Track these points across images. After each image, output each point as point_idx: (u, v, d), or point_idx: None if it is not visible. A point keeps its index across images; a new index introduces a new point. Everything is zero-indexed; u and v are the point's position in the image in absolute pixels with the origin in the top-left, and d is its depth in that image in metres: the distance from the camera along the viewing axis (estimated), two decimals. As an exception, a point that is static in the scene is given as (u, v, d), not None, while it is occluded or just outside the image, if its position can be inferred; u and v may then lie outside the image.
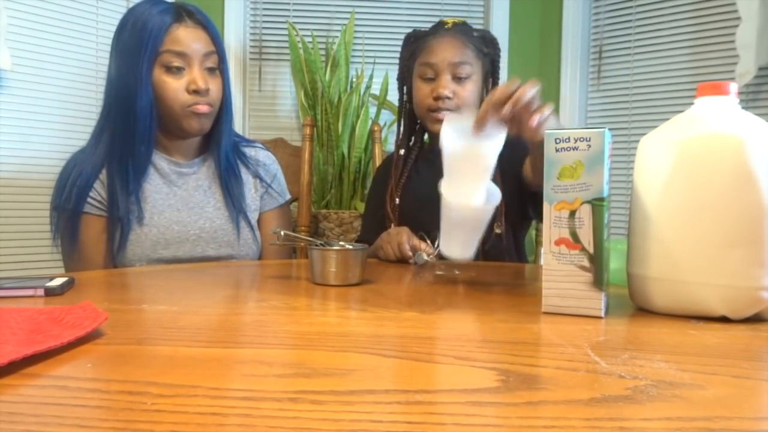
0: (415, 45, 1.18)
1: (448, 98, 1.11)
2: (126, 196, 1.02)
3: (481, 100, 1.16)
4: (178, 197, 1.08)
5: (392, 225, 1.15)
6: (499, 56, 1.20)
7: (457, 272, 0.90)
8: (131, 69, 1.00)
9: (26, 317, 0.48)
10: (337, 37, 2.15)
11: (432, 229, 1.12)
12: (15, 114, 1.79)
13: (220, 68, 1.07)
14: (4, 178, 1.78)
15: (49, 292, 0.63)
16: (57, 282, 0.65)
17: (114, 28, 1.04)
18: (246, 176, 1.16)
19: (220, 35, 1.08)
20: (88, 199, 1.02)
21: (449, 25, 1.16)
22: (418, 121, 1.22)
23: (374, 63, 2.22)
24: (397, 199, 1.19)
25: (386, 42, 2.28)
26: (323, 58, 2.13)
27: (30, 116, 1.82)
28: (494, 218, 1.12)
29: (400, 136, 1.23)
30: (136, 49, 0.99)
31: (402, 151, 1.22)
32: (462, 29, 1.16)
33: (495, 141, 0.72)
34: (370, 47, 2.27)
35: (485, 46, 1.17)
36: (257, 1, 2.27)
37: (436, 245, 0.91)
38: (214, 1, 2.19)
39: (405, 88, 1.23)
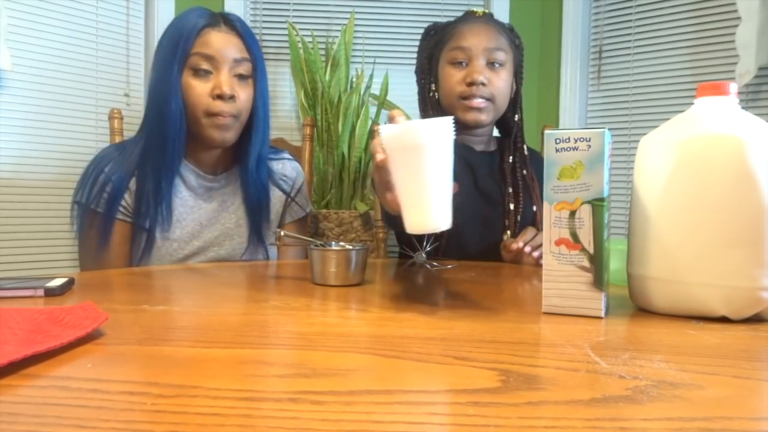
0: (441, 33, 1.12)
1: (483, 84, 1.02)
2: (154, 207, 1.00)
3: (510, 96, 1.09)
4: (202, 211, 1.07)
5: None
6: (523, 55, 1.14)
7: (450, 266, 0.91)
8: (164, 73, 0.99)
9: (26, 317, 0.48)
10: (337, 37, 2.15)
11: (460, 222, 1.11)
12: (15, 114, 1.79)
13: (254, 77, 1.03)
14: (4, 178, 1.78)
15: (49, 292, 0.63)
16: (57, 282, 0.65)
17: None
18: (272, 191, 1.15)
19: (258, 45, 1.05)
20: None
21: (480, 14, 1.10)
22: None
23: (374, 63, 2.22)
24: None
25: (386, 42, 2.28)
26: (323, 58, 2.12)
27: (30, 116, 1.82)
28: (503, 226, 1.12)
29: None
30: (169, 53, 0.98)
31: None
32: (493, 19, 1.11)
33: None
34: (370, 47, 2.27)
35: (516, 38, 1.12)
36: (257, 1, 2.27)
37: (425, 246, 0.91)
38: (214, 1, 2.19)
39: (424, 80, 1.17)
